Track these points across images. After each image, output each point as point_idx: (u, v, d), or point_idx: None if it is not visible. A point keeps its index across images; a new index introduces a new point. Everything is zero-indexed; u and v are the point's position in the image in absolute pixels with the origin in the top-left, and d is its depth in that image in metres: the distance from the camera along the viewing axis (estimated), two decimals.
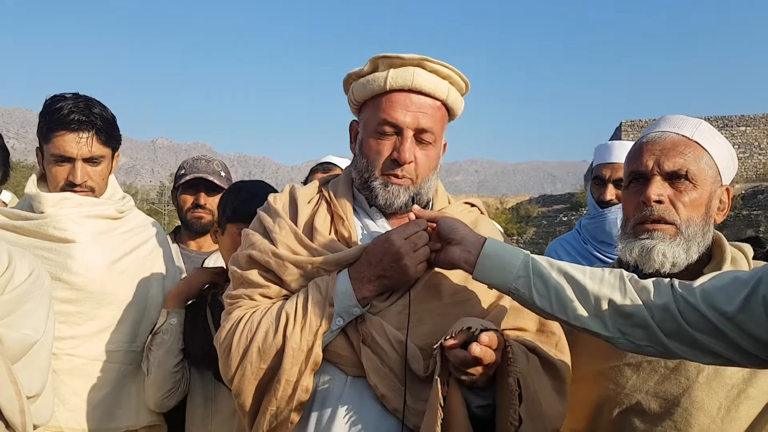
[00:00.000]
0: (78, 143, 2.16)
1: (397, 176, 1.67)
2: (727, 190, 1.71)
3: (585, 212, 3.07)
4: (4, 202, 1.72)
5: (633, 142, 2.73)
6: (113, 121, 2.27)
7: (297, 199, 1.77)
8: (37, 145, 2.28)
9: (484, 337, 1.40)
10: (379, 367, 1.53)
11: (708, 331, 1.33)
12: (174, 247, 2.72)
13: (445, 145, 1.81)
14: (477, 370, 1.44)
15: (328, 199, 1.77)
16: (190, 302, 2.33)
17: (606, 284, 1.43)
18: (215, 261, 2.88)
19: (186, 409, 2.32)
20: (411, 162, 1.66)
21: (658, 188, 1.62)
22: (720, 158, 1.66)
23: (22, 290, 1.78)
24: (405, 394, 1.51)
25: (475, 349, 1.38)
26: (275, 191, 1.97)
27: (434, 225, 1.60)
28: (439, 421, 1.39)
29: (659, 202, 1.61)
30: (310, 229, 1.71)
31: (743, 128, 42.09)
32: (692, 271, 1.61)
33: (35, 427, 1.77)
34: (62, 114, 2.13)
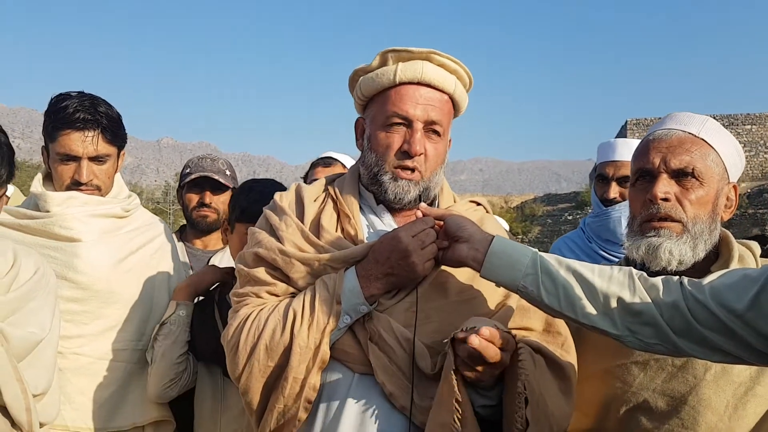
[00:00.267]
0: (83, 142, 2.15)
1: (407, 168, 1.67)
2: (734, 187, 1.71)
3: (590, 211, 3.07)
4: (7, 196, 1.74)
5: (636, 140, 2.74)
6: (119, 119, 2.26)
7: (303, 197, 1.77)
8: (43, 144, 2.28)
9: (485, 330, 1.39)
10: (387, 365, 1.53)
11: (717, 329, 1.32)
12: (180, 246, 2.72)
13: (449, 141, 1.81)
14: (482, 367, 1.44)
15: (335, 197, 1.77)
16: (198, 300, 2.34)
17: (615, 282, 1.42)
18: (221, 259, 2.88)
19: (194, 406, 2.32)
20: (422, 154, 1.67)
21: (665, 186, 1.62)
22: (727, 155, 1.66)
23: (28, 288, 1.78)
24: (412, 391, 1.51)
25: (474, 340, 1.37)
26: (285, 190, 1.97)
27: (441, 223, 1.60)
28: (456, 417, 1.40)
29: (666, 199, 1.61)
30: (317, 227, 1.71)
31: (749, 127, 41.99)
32: (699, 268, 1.61)
33: (41, 425, 1.77)
34: (68, 113, 2.13)
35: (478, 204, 1.91)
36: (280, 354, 1.56)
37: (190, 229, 3.04)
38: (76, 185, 2.21)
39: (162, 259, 2.42)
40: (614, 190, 2.77)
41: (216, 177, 2.91)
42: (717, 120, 1.71)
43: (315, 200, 1.78)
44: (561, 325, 1.68)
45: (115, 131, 2.24)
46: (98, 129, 2.17)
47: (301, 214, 1.74)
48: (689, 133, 1.65)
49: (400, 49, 1.67)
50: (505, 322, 1.60)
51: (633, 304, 1.39)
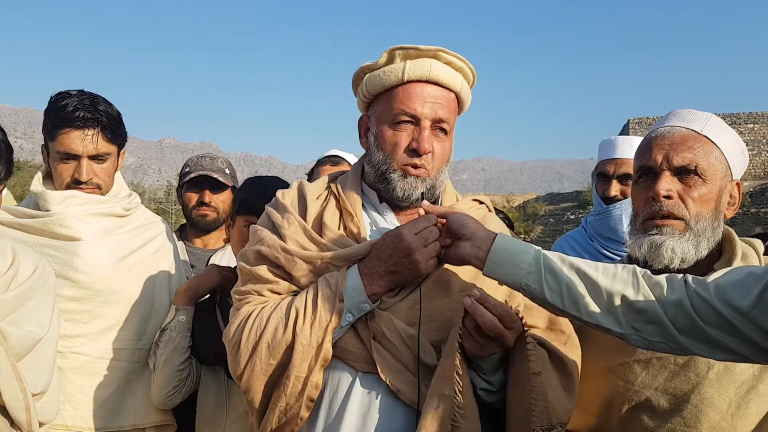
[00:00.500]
0: (83, 140, 2.15)
1: (415, 166, 1.67)
2: (738, 184, 1.70)
3: (592, 210, 3.06)
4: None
5: (637, 137, 2.73)
6: (119, 118, 2.26)
7: (305, 194, 1.77)
8: (43, 143, 2.27)
9: (476, 291, 1.46)
10: (392, 362, 1.53)
11: (721, 327, 1.31)
12: (179, 245, 2.72)
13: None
14: (484, 340, 1.48)
15: (337, 195, 1.77)
16: (198, 301, 2.33)
17: (619, 280, 1.42)
18: (221, 258, 2.88)
19: (197, 407, 2.32)
20: (430, 152, 1.67)
21: (667, 183, 1.61)
22: (730, 152, 1.65)
23: (26, 287, 1.77)
24: (419, 385, 1.52)
25: (466, 301, 1.45)
26: (287, 187, 1.98)
27: (444, 221, 1.60)
28: (457, 389, 1.42)
29: (668, 197, 1.60)
30: (319, 225, 1.71)
31: (751, 125, 41.95)
32: (702, 266, 1.61)
33: (41, 424, 1.77)
34: (67, 111, 2.12)
35: (481, 202, 1.91)
36: (282, 352, 1.56)
37: (189, 228, 3.03)
38: (76, 184, 2.20)
39: (162, 258, 2.41)
40: (615, 188, 2.76)
41: (215, 176, 2.90)
42: (720, 119, 1.70)
43: (317, 198, 1.78)
44: (565, 323, 1.68)
45: (115, 130, 2.23)
46: (98, 127, 2.17)
47: (303, 212, 1.74)
48: (692, 131, 1.64)
49: (407, 46, 1.67)
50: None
51: (637, 302, 1.39)
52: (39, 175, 2.29)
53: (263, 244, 1.68)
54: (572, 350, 1.65)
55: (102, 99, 2.22)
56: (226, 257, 2.89)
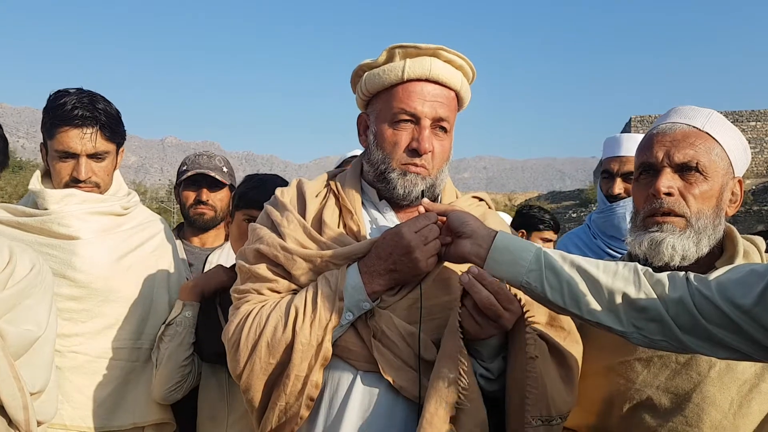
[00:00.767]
0: (82, 139, 2.14)
1: (415, 165, 1.66)
2: (740, 182, 1.69)
3: (594, 208, 3.05)
4: None
5: (641, 135, 2.71)
6: (118, 116, 2.25)
7: (305, 192, 1.77)
8: (42, 142, 2.27)
9: (474, 268, 1.46)
10: (392, 360, 1.53)
11: (724, 325, 1.31)
12: (177, 243, 2.72)
13: None
14: (483, 320, 1.48)
15: (336, 193, 1.76)
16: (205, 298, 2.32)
17: (620, 278, 1.41)
18: (218, 256, 2.88)
19: (198, 406, 2.31)
20: (430, 152, 1.66)
21: (668, 180, 1.60)
22: (732, 149, 1.64)
23: (24, 285, 1.76)
24: (420, 380, 1.52)
25: (463, 278, 1.46)
26: (286, 185, 1.97)
27: (444, 218, 1.59)
28: (462, 369, 1.42)
29: (669, 194, 1.59)
30: (319, 223, 1.70)
31: (753, 123, 41.89)
32: (703, 264, 1.60)
33: (39, 423, 1.76)
34: (66, 109, 2.12)
35: (480, 200, 1.90)
36: (282, 351, 1.55)
37: (187, 227, 3.03)
38: (74, 182, 2.19)
39: (161, 256, 2.41)
40: (619, 186, 2.75)
41: (213, 174, 2.88)
42: (721, 115, 1.69)
43: (317, 196, 1.77)
44: (565, 320, 1.67)
45: (113, 128, 2.22)
46: (97, 126, 2.16)
47: (302, 210, 1.73)
48: (693, 127, 1.63)
49: (407, 45, 1.66)
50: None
51: (638, 300, 1.38)
52: (38, 174, 2.28)
53: (262, 243, 1.67)
54: (573, 345, 1.65)
55: (101, 97, 2.21)
56: (223, 256, 2.89)
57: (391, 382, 1.52)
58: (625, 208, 2.69)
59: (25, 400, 1.66)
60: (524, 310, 1.50)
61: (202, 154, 3.03)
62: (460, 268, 1.64)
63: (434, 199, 1.77)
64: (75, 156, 2.17)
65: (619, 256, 2.67)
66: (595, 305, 1.41)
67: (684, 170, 1.60)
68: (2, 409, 1.66)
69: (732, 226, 1.71)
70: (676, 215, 1.60)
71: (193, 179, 2.92)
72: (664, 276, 1.40)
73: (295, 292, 1.64)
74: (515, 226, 4.02)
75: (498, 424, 1.55)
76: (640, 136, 2.70)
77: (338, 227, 1.69)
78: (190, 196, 2.93)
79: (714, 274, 1.37)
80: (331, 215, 1.71)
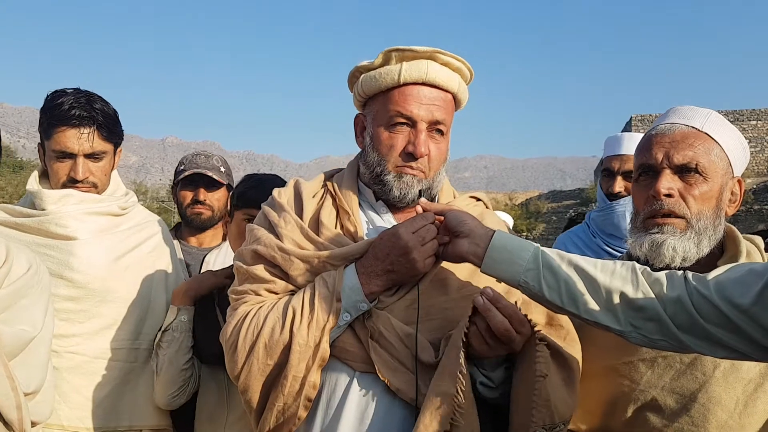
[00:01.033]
0: (79, 139, 2.14)
1: (411, 168, 1.66)
2: (739, 181, 1.68)
3: (595, 207, 3.06)
4: None
5: (642, 134, 2.71)
6: (115, 116, 2.25)
7: (302, 193, 1.76)
8: (39, 142, 2.26)
9: (488, 290, 1.46)
10: (389, 361, 1.53)
11: (722, 324, 1.30)
12: (175, 244, 2.71)
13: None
14: (493, 341, 1.47)
15: (333, 194, 1.76)
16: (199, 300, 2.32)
17: (618, 277, 1.41)
18: (216, 257, 2.87)
19: (197, 407, 2.31)
20: (426, 155, 1.65)
21: (668, 182, 1.59)
22: (731, 149, 1.63)
23: (19, 285, 1.75)
24: (417, 382, 1.51)
25: (478, 300, 1.45)
26: (285, 184, 1.97)
27: (441, 218, 1.59)
28: (459, 387, 1.42)
29: (669, 195, 1.59)
30: (316, 224, 1.70)
31: (754, 122, 41.86)
32: (704, 264, 1.59)
33: (34, 424, 1.75)
34: (63, 109, 2.12)
35: (478, 199, 1.90)
36: (280, 352, 1.55)
37: (184, 227, 3.01)
38: (72, 183, 2.19)
39: (159, 257, 2.40)
40: (619, 185, 2.75)
41: (210, 174, 2.87)
42: (722, 116, 1.69)
43: (314, 196, 1.77)
44: (563, 318, 1.67)
45: (111, 128, 2.22)
46: (94, 126, 2.16)
47: (299, 211, 1.73)
48: (692, 128, 1.62)
49: (403, 48, 1.65)
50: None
51: (636, 300, 1.37)
52: (35, 174, 2.28)
53: (260, 244, 1.67)
54: (572, 345, 1.64)
55: (98, 97, 2.21)
56: (221, 256, 2.88)
57: (388, 383, 1.52)
58: (625, 206, 2.69)
59: (18, 399, 1.65)
60: (534, 329, 1.49)
61: (200, 153, 3.01)
62: (457, 268, 1.65)
63: (431, 199, 1.76)
64: (72, 156, 2.16)
65: (619, 254, 2.67)
66: (593, 304, 1.41)
67: (683, 171, 1.60)
68: None
69: (732, 227, 1.70)
70: (677, 216, 1.59)
71: (191, 179, 2.90)
72: (662, 275, 1.40)
73: (292, 293, 1.63)
74: None
75: (497, 429, 1.54)
76: (640, 135, 2.71)
77: (335, 228, 1.69)
78: (188, 195, 2.91)
79: (712, 274, 1.37)
80: (328, 216, 1.71)
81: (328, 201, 1.75)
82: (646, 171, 1.66)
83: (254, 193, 2.24)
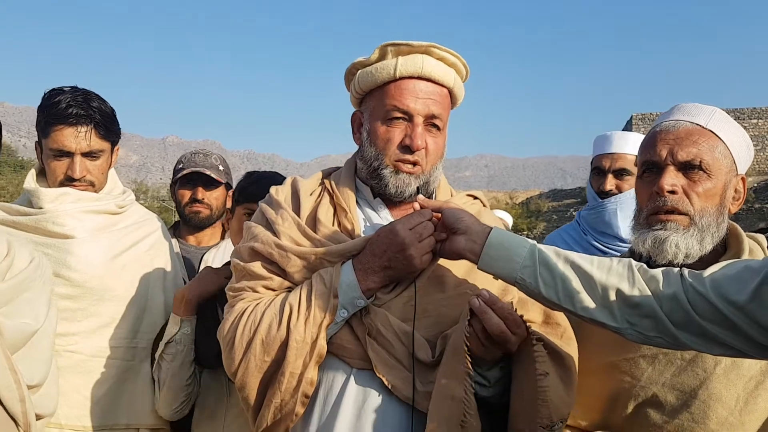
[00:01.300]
0: (76, 137, 2.14)
1: (408, 162, 1.67)
2: (743, 179, 1.68)
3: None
4: None
5: (633, 133, 2.77)
6: (112, 114, 2.25)
7: (299, 191, 1.77)
8: (36, 140, 2.26)
9: (485, 292, 1.47)
10: (386, 358, 1.53)
11: (718, 321, 1.30)
12: (173, 242, 2.70)
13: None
14: (489, 343, 1.48)
15: (331, 191, 1.77)
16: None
17: (614, 274, 1.41)
18: (214, 255, 2.88)
19: (195, 404, 2.30)
20: (423, 148, 1.66)
21: (672, 178, 1.59)
22: (735, 147, 1.63)
23: (22, 278, 1.75)
24: (414, 381, 1.51)
25: (474, 302, 1.46)
26: None
27: (439, 215, 1.59)
28: (467, 389, 1.42)
29: (672, 192, 1.59)
30: (313, 221, 1.71)
31: (755, 121, 41.86)
32: (707, 262, 1.58)
33: (38, 417, 1.75)
34: (60, 108, 2.11)
35: (475, 198, 1.91)
36: (277, 349, 1.56)
37: (183, 225, 3.01)
38: (69, 181, 2.19)
39: (157, 255, 2.40)
40: (610, 183, 2.78)
41: (208, 172, 2.87)
42: (725, 112, 1.69)
43: (311, 194, 1.78)
44: (560, 316, 1.67)
45: (108, 126, 2.22)
46: (91, 124, 2.15)
47: (297, 208, 1.74)
48: (697, 125, 1.62)
49: (399, 42, 1.67)
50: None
51: (632, 297, 1.38)
52: (32, 173, 2.28)
53: (257, 241, 1.68)
54: (569, 343, 1.65)
55: (95, 95, 2.21)
56: (219, 254, 2.88)
57: (384, 380, 1.52)
58: (616, 204, 2.73)
59: (22, 392, 1.65)
60: (529, 330, 1.50)
61: (198, 152, 3.02)
62: (454, 265, 1.65)
63: (429, 197, 1.77)
64: (69, 154, 2.16)
65: (610, 251, 2.71)
66: (589, 301, 1.41)
67: (687, 168, 1.60)
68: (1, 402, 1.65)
69: (735, 224, 1.70)
70: (680, 213, 1.59)
71: (189, 177, 2.90)
72: (658, 272, 1.40)
73: (289, 290, 1.64)
74: None
75: (492, 427, 1.55)
76: (630, 134, 2.74)
77: (332, 225, 1.70)
78: (186, 194, 2.92)
79: (709, 271, 1.37)
80: (325, 213, 1.71)
81: (326, 198, 1.76)
82: (650, 167, 1.66)
83: (255, 188, 2.26)
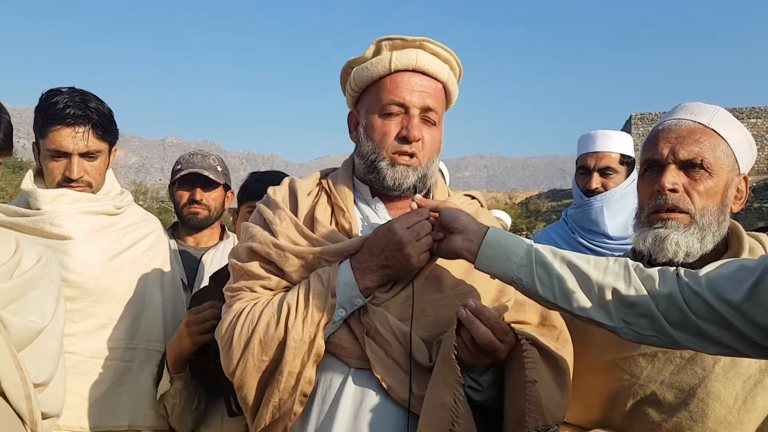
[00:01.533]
0: (74, 138, 2.13)
1: (405, 154, 1.67)
2: (745, 178, 1.68)
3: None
4: None
5: (617, 132, 2.82)
6: (110, 115, 2.24)
7: (297, 191, 1.77)
8: (34, 141, 2.26)
9: (471, 302, 1.47)
10: (384, 358, 1.53)
11: (713, 321, 1.30)
12: (172, 243, 2.70)
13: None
14: (478, 352, 1.48)
15: (328, 191, 1.77)
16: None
17: (610, 273, 1.41)
18: (213, 256, 2.87)
19: None
20: (419, 139, 1.67)
21: (673, 177, 1.59)
22: (737, 146, 1.63)
23: (29, 276, 1.75)
24: (410, 383, 1.51)
25: (461, 312, 1.46)
26: None
27: (436, 214, 1.59)
28: (458, 398, 1.42)
29: (674, 190, 1.59)
30: (311, 221, 1.71)
31: (754, 120, 41.94)
32: (708, 261, 1.58)
33: (45, 416, 1.74)
34: (58, 108, 2.11)
35: (473, 197, 1.91)
36: (275, 348, 1.55)
37: (181, 226, 3.01)
38: (67, 182, 2.18)
39: (155, 256, 2.39)
40: (596, 181, 2.82)
41: (206, 173, 2.86)
42: (727, 112, 1.69)
43: (309, 194, 1.78)
44: (556, 318, 1.67)
45: (106, 127, 2.21)
46: (89, 125, 2.15)
47: (295, 208, 1.74)
48: (699, 123, 1.62)
49: (393, 37, 1.69)
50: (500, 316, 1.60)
51: (628, 296, 1.38)
52: (30, 173, 2.27)
53: (255, 241, 1.68)
54: (564, 345, 1.65)
55: (93, 96, 2.20)
56: (218, 255, 2.88)
57: (381, 381, 1.52)
58: (602, 201, 2.78)
59: (28, 390, 1.64)
60: (518, 336, 1.50)
61: (197, 153, 3.01)
62: (451, 265, 1.65)
63: (426, 195, 1.78)
64: (67, 155, 2.16)
65: (597, 249, 2.76)
66: (586, 301, 1.41)
67: (689, 167, 1.60)
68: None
69: (737, 223, 1.70)
70: (681, 212, 1.59)
71: (187, 178, 2.90)
72: (654, 271, 1.40)
73: (287, 290, 1.64)
74: None
75: (489, 429, 1.54)
76: (613, 132, 2.80)
77: (330, 224, 1.70)
78: (184, 195, 2.91)
79: (705, 270, 1.37)
80: (323, 213, 1.72)
81: (323, 198, 1.76)
82: (651, 166, 1.66)
83: (256, 186, 2.29)
